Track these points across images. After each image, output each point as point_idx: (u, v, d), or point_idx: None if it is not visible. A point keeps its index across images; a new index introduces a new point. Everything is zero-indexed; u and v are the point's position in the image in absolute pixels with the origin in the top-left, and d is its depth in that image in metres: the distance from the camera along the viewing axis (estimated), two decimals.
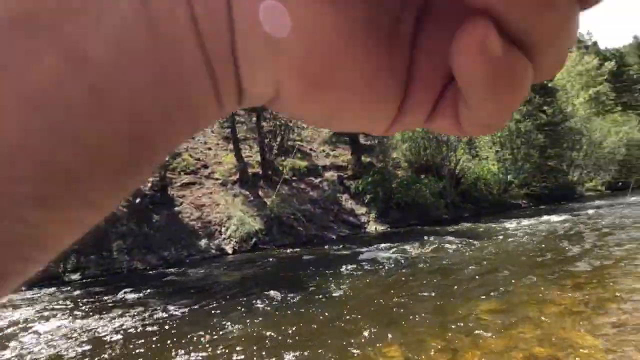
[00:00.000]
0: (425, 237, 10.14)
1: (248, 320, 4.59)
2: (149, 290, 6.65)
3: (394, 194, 16.22)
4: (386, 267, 7.03)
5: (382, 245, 9.85)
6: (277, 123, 16.49)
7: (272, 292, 5.81)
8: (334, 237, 13.76)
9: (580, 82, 35.86)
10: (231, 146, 16.37)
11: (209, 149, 17.35)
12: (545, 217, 12.35)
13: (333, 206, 15.50)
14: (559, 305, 3.98)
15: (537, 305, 4.05)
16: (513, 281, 5.13)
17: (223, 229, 12.52)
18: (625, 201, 15.72)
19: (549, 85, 25.84)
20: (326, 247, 10.86)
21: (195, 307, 5.39)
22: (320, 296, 5.38)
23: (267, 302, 5.37)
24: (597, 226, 9.49)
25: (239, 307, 5.21)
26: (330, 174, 17.79)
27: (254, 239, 12.32)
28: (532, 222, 11.60)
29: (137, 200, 12.00)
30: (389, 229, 14.76)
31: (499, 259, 6.88)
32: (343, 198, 16.43)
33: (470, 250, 7.89)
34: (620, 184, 28.66)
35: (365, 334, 3.76)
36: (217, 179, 15.10)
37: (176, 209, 12.96)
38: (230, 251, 11.71)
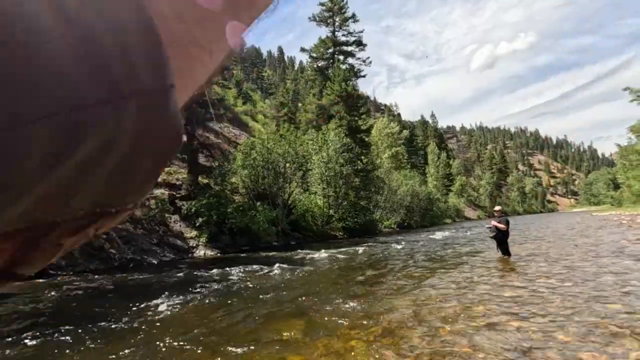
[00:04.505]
0: (254, 264, 10.42)
1: None
2: None
3: (229, 218, 16.08)
4: (206, 294, 6.82)
5: (208, 270, 9.52)
6: None
7: (53, 336, 4.75)
8: (155, 262, 12.37)
9: (387, 141, 46.04)
10: None
11: None
12: (355, 247, 14.72)
13: (159, 227, 14.03)
14: (350, 322, 4.82)
15: (333, 321, 4.78)
16: (317, 300, 5.89)
17: None
18: (406, 238, 20.56)
19: (366, 139, 32.02)
20: (143, 273, 9.65)
21: None
22: (126, 332, 4.73)
23: (45, 349, 4.33)
24: (388, 255, 12.00)
25: None
26: (160, 192, 16.19)
27: None
28: (344, 250, 13.63)
29: None
30: (219, 254, 14.37)
31: (313, 281, 7.76)
32: (172, 219, 15.13)
33: (292, 275, 8.58)
34: (406, 223, 37.29)
35: None
36: None
37: None
38: None
